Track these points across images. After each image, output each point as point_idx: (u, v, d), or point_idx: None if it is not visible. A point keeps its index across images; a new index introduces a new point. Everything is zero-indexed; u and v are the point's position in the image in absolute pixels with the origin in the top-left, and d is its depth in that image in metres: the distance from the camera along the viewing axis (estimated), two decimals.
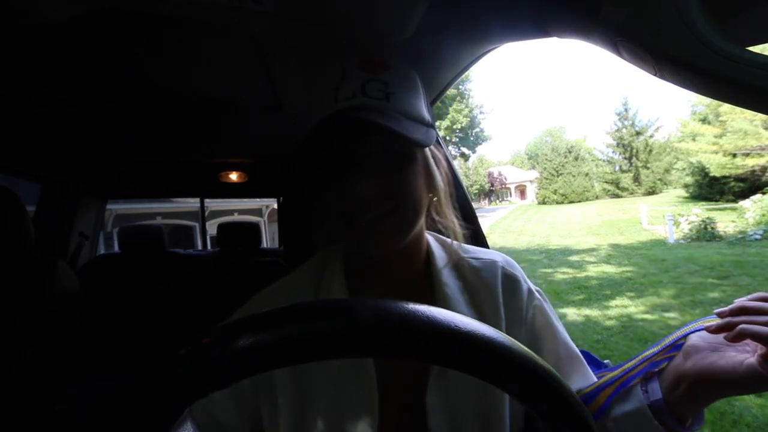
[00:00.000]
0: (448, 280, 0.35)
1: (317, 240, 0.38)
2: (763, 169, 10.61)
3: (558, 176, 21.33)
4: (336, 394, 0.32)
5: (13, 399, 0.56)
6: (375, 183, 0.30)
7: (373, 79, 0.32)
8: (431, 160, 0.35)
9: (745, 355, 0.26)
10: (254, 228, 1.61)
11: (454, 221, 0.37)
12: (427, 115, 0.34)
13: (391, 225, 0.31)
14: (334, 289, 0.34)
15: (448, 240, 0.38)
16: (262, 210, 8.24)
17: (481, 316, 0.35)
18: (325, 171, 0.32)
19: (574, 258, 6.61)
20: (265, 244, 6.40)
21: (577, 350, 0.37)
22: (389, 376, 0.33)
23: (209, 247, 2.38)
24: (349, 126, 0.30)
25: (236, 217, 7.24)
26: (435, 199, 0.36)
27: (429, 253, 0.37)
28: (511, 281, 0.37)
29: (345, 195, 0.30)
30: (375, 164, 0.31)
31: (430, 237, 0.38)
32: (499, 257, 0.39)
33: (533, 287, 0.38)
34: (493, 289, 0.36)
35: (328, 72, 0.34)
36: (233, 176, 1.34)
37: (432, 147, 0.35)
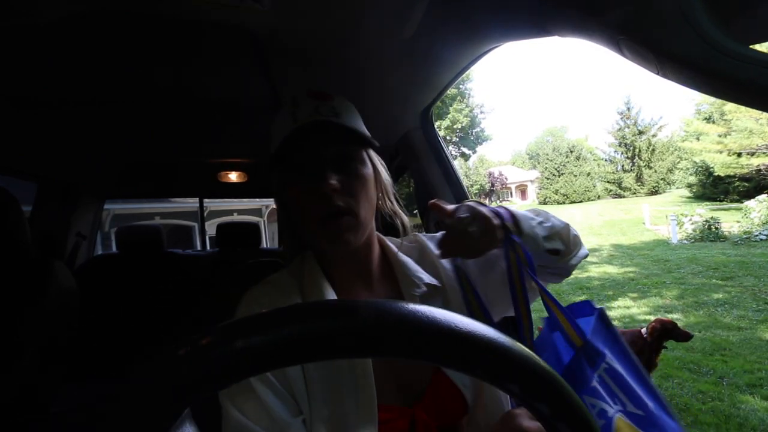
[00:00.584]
0: (402, 257, 0.43)
1: (290, 246, 0.45)
2: None
3: (559, 176, 21.27)
4: (337, 398, 0.35)
5: (11, 399, 0.56)
6: (337, 178, 0.37)
7: (323, 104, 0.39)
8: (379, 165, 0.43)
9: None
10: (254, 228, 1.61)
11: (398, 210, 0.45)
12: (365, 129, 0.42)
13: (351, 223, 0.38)
14: (317, 286, 0.40)
15: (395, 239, 0.47)
16: (261, 210, 8.27)
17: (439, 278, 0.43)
18: (297, 177, 0.38)
19: None
20: (265, 244, 6.42)
21: None
22: (383, 382, 0.36)
23: (208, 247, 2.39)
24: (313, 132, 0.37)
25: (236, 217, 7.26)
26: (381, 195, 0.43)
27: (383, 245, 0.45)
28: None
29: (315, 191, 0.37)
30: (335, 164, 0.38)
31: (379, 234, 0.46)
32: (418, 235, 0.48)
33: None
34: (425, 253, 0.45)
35: (281, 110, 0.41)
36: (232, 176, 1.34)
37: (376, 160, 0.43)
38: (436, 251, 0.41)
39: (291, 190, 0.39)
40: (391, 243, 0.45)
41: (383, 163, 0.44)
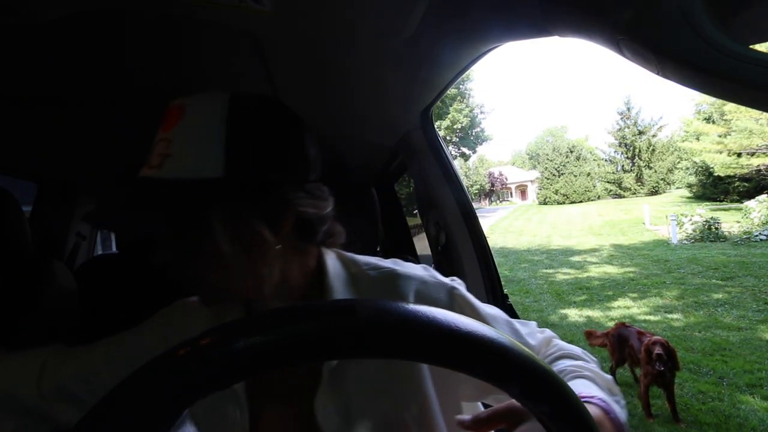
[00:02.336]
0: (340, 293, 0.34)
1: None
2: None
3: (559, 176, 21.26)
4: (210, 414, 0.32)
5: None
6: (164, 253, 0.30)
7: (162, 138, 0.30)
8: (245, 211, 0.30)
9: None
10: None
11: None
12: (218, 165, 0.28)
13: (199, 292, 0.31)
14: (196, 318, 0.35)
15: (349, 254, 0.38)
16: None
17: None
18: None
19: (576, 258, 6.59)
20: None
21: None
22: (269, 387, 0.33)
23: None
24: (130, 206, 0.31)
25: None
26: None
27: (321, 271, 0.35)
28: (423, 297, 0.35)
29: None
30: (163, 236, 0.31)
31: (329, 254, 0.37)
32: (401, 272, 0.36)
33: (455, 290, 0.36)
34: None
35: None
36: None
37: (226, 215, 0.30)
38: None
39: None
40: (336, 269, 0.35)
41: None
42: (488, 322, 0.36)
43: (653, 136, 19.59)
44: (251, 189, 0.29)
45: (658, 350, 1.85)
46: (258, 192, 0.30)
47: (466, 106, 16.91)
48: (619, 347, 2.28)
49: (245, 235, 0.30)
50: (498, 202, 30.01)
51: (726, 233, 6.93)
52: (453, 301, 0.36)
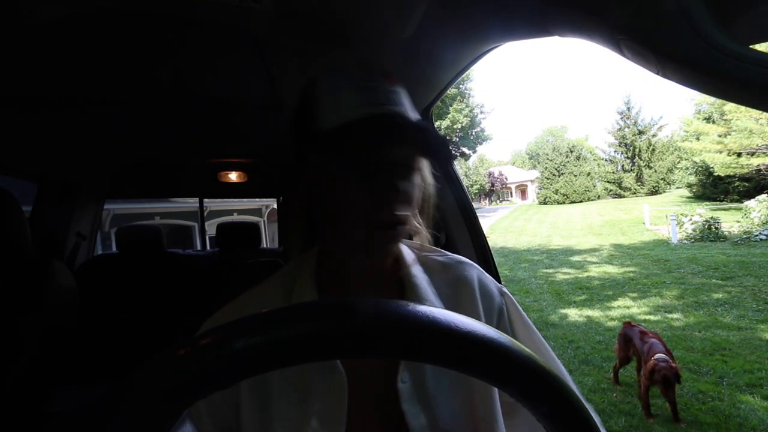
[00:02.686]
0: (417, 273, 0.36)
1: (293, 243, 0.40)
2: None
3: (559, 176, 21.25)
4: (303, 398, 0.31)
5: (9, 400, 0.56)
6: (401, 190, 0.31)
7: (395, 91, 0.33)
8: (428, 173, 0.36)
9: None
10: (254, 228, 1.61)
11: (421, 224, 0.38)
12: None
13: (397, 235, 0.32)
14: (306, 295, 0.34)
15: (412, 241, 0.40)
16: (261, 210, 8.27)
17: (456, 311, 0.34)
18: (349, 171, 0.31)
19: (576, 258, 6.58)
20: (265, 244, 6.42)
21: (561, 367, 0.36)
22: (361, 378, 0.32)
23: (208, 247, 2.39)
24: (390, 126, 0.30)
25: (236, 217, 7.26)
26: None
27: (398, 252, 0.37)
28: (484, 285, 0.38)
29: (370, 194, 0.30)
30: (404, 171, 0.32)
31: None
32: (463, 258, 0.40)
33: (505, 290, 0.39)
34: (465, 286, 0.37)
35: (351, 71, 0.33)
36: (232, 176, 1.34)
37: (426, 168, 0.36)
38: (495, 291, 0.36)
39: (334, 182, 0.31)
40: (409, 250, 0.38)
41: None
42: (530, 332, 0.37)
43: (653, 135, 19.58)
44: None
45: (663, 373, 1.85)
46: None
47: (466, 106, 16.89)
48: (624, 346, 2.28)
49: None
50: (498, 201, 29.99)
51: (726, 233, 6.93)
52: (502, 298, 0.38)
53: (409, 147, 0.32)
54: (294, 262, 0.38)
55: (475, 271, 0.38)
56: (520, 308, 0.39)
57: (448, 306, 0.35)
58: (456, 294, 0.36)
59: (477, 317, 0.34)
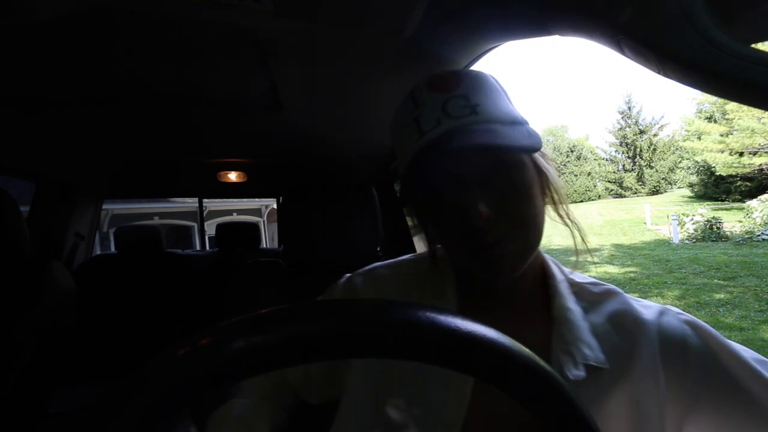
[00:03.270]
0: (569, 303, 0.31)
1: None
2: None
3: (560, 176, 21.12)
4: (419, 388, 0.30)
5: (8, 400, 0.56)
6: (490, 205, 0.27)
7: (452, 97, 0.29)
8: (540, 159, 0.31)
9: None
10: (253, 228, 1.61)
11: (574, 220, 0.32)
12: (519, 114, 0.30)
13: (513, 250, 0.28)
14: (446, 298, 0.32)
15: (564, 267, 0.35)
16: (261, 210, 8.28)
17: (610, 354, 0.29)
18: (433, 200, 0.29)
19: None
20: (264, 244, 6.43)
21: None
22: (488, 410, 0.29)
23: (208, 247, 2.39)
24: (446, 158, 0.28)
25: (235, 217, 7.27)
26: (551, 198, 0.32)
27: (546, 271, 0.33)
28: (662, 327, 0.30)
29: (462, 223, 0.28)
30: (486, 185, 0.28)
31: (545, 255, 0.35)
32: (618, 290, 0.33)
33: (693, 320, 0.31)
34: (627, 322, 0.30)
35: (400, 109, 0.32)
36: (232, 176, 1.34)
37: (538, 158, 0.31)
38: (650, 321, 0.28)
39: (426, 211, 0.30)
40: (558, 273, 0.33)
41: (548, 155, 0.32)
42: (735, 355, 0.28)
43: (654, 135, 19.56)
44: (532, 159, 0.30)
45: None
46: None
47: None
48: None
49: (543, 195, 0.31)
50: None
51: (728, 233, 6.92)
52: (686, 327, 0.30)
53: (473, 162, 0.27)
54: (426, 258, 0.35)
55: (648, 309, 0.32)
56: (716, 333, 0.30)
57: (615, 353, 0.29)
58: (616, 332, 0.30)
59: (653, 365, 0.28)
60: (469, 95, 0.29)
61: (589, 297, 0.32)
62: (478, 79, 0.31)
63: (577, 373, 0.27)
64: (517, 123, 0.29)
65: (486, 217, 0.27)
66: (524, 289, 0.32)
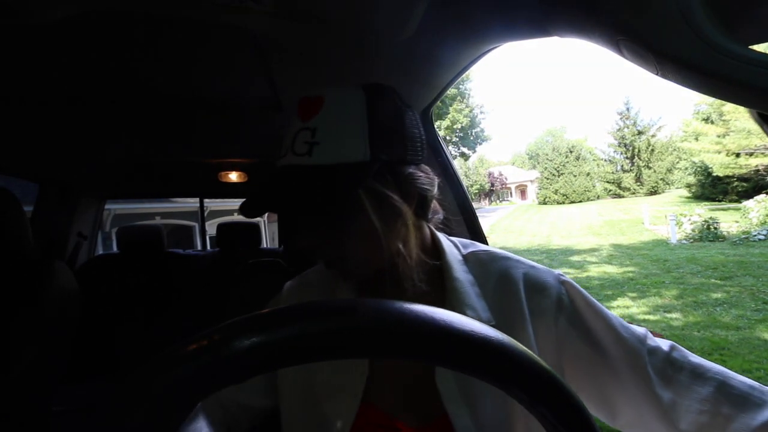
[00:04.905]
0: (459, 274, 0.36)
1: None
2: None
3: (559, 176, 21.27)
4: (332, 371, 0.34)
5: (11, 400, 0.56)
6: (310, 235, 0.33)
7: (303, 128, 0.32)
8: (385, 190, 0.32)
9: None
10: (254, 228, 1.61)
11: (402, 253, 0.34)
12: (363, 148, 0.31)
13: (345, 268, 0.34)
14: (343, 290, 0.37)
15: (450, 236, 0.40)
16: None
17: (496, 312, 0.34)
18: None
19: (576, 258, 6.59)
20: (265, 244, 6.41)
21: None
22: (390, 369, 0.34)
23: (209, 247, 2.39)
24: (285, 180, 0.32)
25: (236, 217, 7.24)
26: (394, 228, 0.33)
27: (437, 249, 0.37)
28: (532, 280, 0.36)
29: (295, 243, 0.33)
30: (308, 219, 0.33)
31: (439, 233, 0.39)
32: (509, 255, 0.39)
33: (565, 278, 0.37)
34: (510, 283, 0.36)
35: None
36: (233, 176, 1.34)
37: (378, 187, 0.32)
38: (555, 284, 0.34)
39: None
40: (450, 249, 0.37)
41: (399, 178, 0.33)
42: (601, 316, 0.35)
43: (652, 136, 19.62)
44: (388, 169, 0.33)
45: None
46: (392, 172, 0.33)
47: (466, 106, 16.91)
48: None
49: (388, 211, 0.33)
50: (498, 201, 30.00)
51: (725, 233, 6.95)
52: (562, 287, 0.36)
53: (307, 195, 0.30)
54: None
55: (522, 266, 0.37)
56: (587, 294, 0.36)
57: (494, 306, 0.35)
58: (501, 292, 0.35)
59: (521, 317, 0.34)
60: (318, 128, 0.31)
61: (480, 265, 0.37)
62: (334, 109, 0.32)
63: None
64: (351, 161, 0.31)
65: (302, 247, 0.32)
66: (410, 268, 0.35)
